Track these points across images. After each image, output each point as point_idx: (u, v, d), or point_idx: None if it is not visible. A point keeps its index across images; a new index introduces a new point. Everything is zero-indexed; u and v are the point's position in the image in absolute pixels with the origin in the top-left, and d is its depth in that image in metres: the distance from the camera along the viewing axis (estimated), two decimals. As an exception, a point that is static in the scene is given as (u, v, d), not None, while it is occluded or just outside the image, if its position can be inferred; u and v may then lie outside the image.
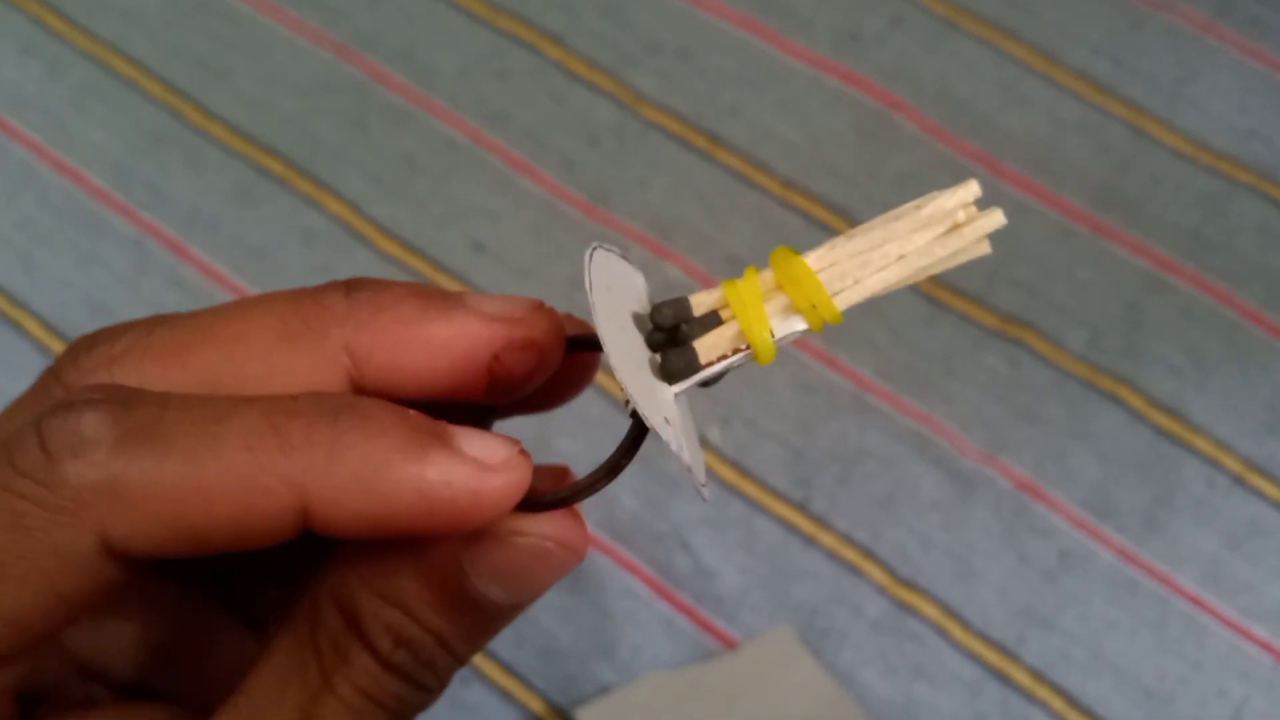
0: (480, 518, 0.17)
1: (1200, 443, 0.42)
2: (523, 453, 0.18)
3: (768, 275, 0.19)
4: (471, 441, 0.17)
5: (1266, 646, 0.40)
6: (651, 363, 0.19)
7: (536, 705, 0.40)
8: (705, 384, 0.20)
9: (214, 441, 0.16)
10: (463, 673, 0.40)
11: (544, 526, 0.19)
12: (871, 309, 0.45)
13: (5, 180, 0.47)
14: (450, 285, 0.45)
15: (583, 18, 0.50)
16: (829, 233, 0.46)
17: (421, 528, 0.17)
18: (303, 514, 0.16)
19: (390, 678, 0.17)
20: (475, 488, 0.17)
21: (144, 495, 0.16)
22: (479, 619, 0.18)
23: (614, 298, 0.19)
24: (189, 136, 0.48)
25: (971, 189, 0.20)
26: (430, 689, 0.18)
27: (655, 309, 0.19)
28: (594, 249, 0.19)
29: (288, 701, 0.17)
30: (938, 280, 0.45)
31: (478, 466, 0.17)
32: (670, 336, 0.19)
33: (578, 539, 0.19)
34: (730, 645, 0.40)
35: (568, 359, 0.20)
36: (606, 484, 0.19)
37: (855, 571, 0.41)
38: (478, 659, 0.40)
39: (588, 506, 0.42)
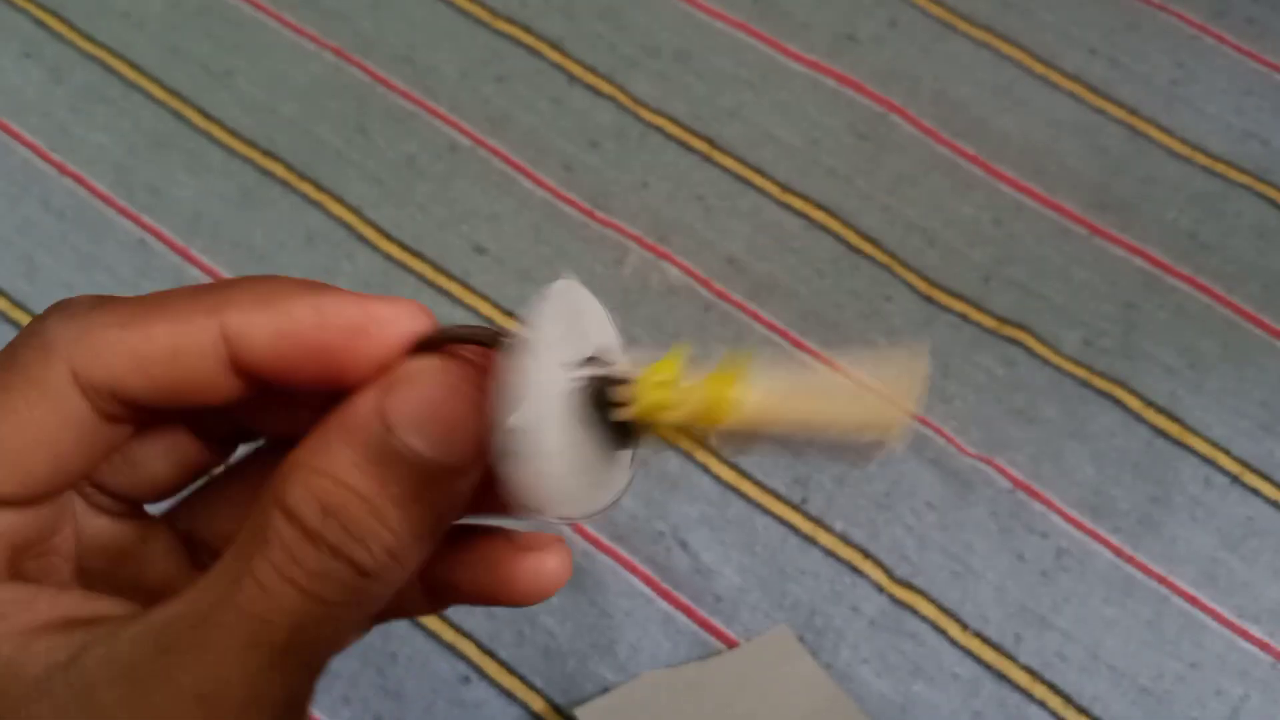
0: (379, 344, 0.19)
1: (1196, 442, 0.43)
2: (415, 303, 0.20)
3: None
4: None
5: (1264, 645, 0.40)
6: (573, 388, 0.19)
7: (537, 704, 0.40)
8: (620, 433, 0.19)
9: (162, 306, 0.20)
10: (463, 671, 0.40)
11: (452, 365, 0.19)
12: (870, 309, 0.45)
13: (7, 183, 0.47)
14: (452, 287, 0.45)
15: (582, 21, 0.50)
16: (828, 233, 0.46)
17: (328, 361, 0.19)
18: (230, 358, 0.19)
19: (315, 552, 0.17)
20: (365, 308, 0.19)
21: (105, 339, 0.19)
22: (409, 480, 0.18)
23: (563, 328, 0.18)
24: (191, 139, 0.48)
25: (902, 424, 0.18)
26: (367, 571, 0.18)
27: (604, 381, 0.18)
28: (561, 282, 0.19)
29: (211, 592, 0.18)
30: (935, 281, 0.45)
31: (369, 298, 0.19)
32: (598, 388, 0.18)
33: (477, 383, 0.18)
34: (729, 644, 0.40)
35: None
36: (488, 338, 0.19)
37: (854, 570, 0.41)
38: (478, 657, 0.40)
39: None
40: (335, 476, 0.18)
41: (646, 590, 0.41)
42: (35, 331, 0.20)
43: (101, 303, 0.20)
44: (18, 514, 0.20)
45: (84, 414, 0.20)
